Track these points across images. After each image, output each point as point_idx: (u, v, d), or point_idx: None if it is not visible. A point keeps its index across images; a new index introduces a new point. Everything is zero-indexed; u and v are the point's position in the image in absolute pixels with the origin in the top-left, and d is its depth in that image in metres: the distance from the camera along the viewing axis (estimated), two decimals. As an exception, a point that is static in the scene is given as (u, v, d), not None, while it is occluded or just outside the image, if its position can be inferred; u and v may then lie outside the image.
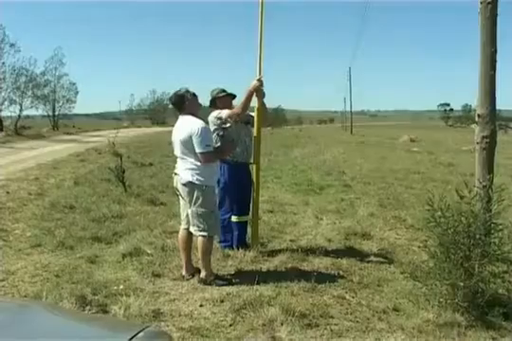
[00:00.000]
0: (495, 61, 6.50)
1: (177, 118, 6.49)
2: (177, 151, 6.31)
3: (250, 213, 7.37)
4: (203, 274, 6.11)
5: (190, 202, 6.17)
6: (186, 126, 6.14)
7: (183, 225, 6.43)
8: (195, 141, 5.98)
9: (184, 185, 6.18)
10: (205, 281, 6.03)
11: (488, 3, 6.41)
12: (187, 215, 6.30)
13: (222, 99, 7.31)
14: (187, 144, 6.08)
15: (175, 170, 6.37)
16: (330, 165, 19.39)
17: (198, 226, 6.13)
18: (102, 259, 6.89)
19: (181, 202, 6.45)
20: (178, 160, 6.35)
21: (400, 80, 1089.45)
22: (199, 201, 6.07)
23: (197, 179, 6.05)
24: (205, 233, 6.11)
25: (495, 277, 5.16)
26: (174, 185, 6.42)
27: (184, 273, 6.29)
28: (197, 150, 5.98)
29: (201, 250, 6.15)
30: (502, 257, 5.16)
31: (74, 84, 61.37)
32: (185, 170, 6.18)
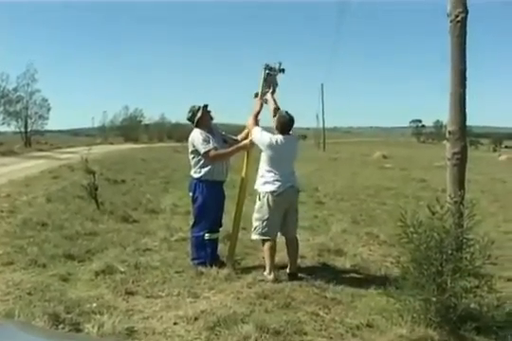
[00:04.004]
0: (465, 78, 6.61)
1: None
2: (290, 162, 7.15)
3: (235, 230, 7.40)
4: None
5: (296, 207, 7.21)
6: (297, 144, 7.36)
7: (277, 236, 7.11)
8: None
9: (298, 191, 7.23)
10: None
11: (458, 21, 6.53)
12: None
13: (203, 118, 7.37)
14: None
15: (289, 184, 6.91)
16: (303, 182, 19.36)
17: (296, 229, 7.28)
18: (75, 276, 6.84)
19: (279, 213, 6.97)
20: (285, 169, 6.99)
21: (372, 97, 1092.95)
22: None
23: None
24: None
25: (467, 291, 5.21)
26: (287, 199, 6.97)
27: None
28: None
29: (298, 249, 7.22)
30: (473, 272, 5.23)
31: (46, 101, 61.04)
32: (296, 178, 7.17)
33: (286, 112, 7.10)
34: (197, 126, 7.37)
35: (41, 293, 6.08)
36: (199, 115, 7.32)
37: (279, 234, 7.07)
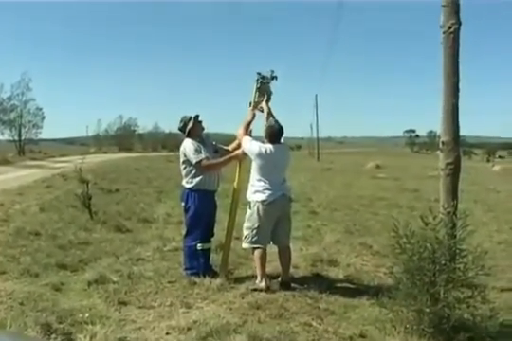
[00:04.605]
0: (458, 90, 6.64)
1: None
2: (281, 170, 7.12)
3: (228, 240, 7.38)
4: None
5: (289, 216, 7.23)
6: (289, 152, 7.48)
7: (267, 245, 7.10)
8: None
9: (291, 200, 7.26)
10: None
11: (451, 33, 6.56)
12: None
13: (194, 128, 7.39)
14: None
15: (280, 193, 6.91)
16: (297, 192, 19.38)
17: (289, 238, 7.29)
18: (68, 286, 6.82)
19: (270, 222, 6.97)
20: (276, 178, 6.97)
21: (366, 107, 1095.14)
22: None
23: None
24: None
25: (460, 302, 5.20)
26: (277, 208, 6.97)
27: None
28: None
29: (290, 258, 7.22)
30: (466, 282, 5.23)
31: (41, 109, 61.25)
32: (289, 187, 7.22)
33: (276, 121, 7.12)
34: (188, 136, 7.38)
35: (33, 302, 6.06)
36: (190, 125, 7.34)
37: (271, 243, 7.07)
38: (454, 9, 6.59)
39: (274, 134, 6.98)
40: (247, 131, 7.35)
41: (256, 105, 7.51)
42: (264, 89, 7.54)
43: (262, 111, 7.48)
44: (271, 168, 6.87)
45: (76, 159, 21.04)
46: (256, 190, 6.86)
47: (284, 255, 7.07)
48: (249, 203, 6.94)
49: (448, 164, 6.64)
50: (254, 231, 6.86)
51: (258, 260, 6.86)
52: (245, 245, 7.07)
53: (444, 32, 6.63)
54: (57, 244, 9.03)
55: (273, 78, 7.59)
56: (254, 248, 6.92)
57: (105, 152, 70.57)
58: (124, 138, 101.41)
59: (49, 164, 37.82)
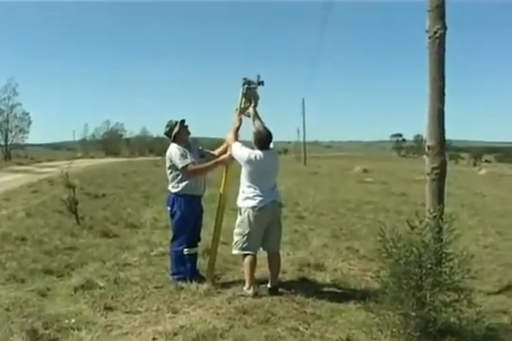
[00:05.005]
0: (443, 94, 6.66)
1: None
2: (271, 176, 7.10)
3: (214, 245, 7.37)
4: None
5: (279, 222, 7.17)
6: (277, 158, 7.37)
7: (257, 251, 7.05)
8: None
9: (281, 206, 7.23)
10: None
11: (436, 37, 6.59)
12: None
13: (180, 132, 7.38)
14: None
15: (270, 199, 6.89)
16: (283, 196, 19.35)
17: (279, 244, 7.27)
18: (54, 292, 6.79)
19: (260, 228, 6.93)
20: (266, 184, 6.96)
21: (353, 111, 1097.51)
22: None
23: None
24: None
25: (446, 306, 5.22)
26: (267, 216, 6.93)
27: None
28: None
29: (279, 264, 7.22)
30: (452, 286, 5.24)
31: (27, 114, 61.01)
32: (279, 192, 7.16)
33: (264, 127, 7.12)
34: (174, 141, 7.36)
35: (19, 308, 6.03)
36: (176, 129, 7.32)
37: (260, 249, 7.06)
38: (440, 15, 6.63)
39: (263, 140, 6.96)
40: (237, 136, 7.35)
41: (243, 111, 7.50)
42: (250, 94, 7.52)
43: (249, 116, 7.47)
44: (261, 174, 6.86)
45: (63, 164, 20.96)
46: (246, 197, 6.84)
47: (274, 261, 7.06)
48: (240, 209, 6.92)
49: (433, 168, 6.67)
50: (244, 237, 6.85)
51: (248, 266, 6.84)
52: (235, 252, 7.05)
53: (429, 37, 6.67)
54: (43, 250, 8.99)
55: (260, 83, 7.58)
56: (244, 255, 6.91)
57: (92, 157, 70.29)
58: (111, 143, 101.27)
59: (36, 169, 37.67)
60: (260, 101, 7.58)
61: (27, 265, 7.90)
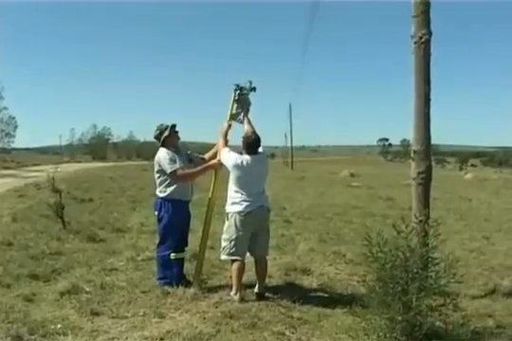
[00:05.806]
0: (429, 99, 6.69)
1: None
2: (259, 181, 7.09)
3: (202, 250, 7.36)
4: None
5: (267, 227, 7.19)
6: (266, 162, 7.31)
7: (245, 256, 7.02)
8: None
9: (269, 211, 7.22)
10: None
11: (422, 43, 6.63)
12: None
13: (170, 137, 7.36)
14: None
15: (257, 204, 6.89)
16: (271, 200, 19.42)
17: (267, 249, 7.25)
18: (40, 297, 6.75)
19: (247, 234, 6.92)
20: (253, 189, 6.96)
21: (340, 116, 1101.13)
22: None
23: None
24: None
25: (432, 310, 5.25)
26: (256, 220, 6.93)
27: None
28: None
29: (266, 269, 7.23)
30: (438, 290, 5.26)
31: (14, 118, 60.76)
32: (267, 197, 7.16)
33: (253, 131, 7.12)
34: (163, 145, 7.35)
35: (4, 314, 5.99)
36: (166, 134, 7.30)
37: (248, 254, 7.06)
38: (425, 20, 6.66)
39: (251, 144, 6.95)
40: (226, 141, 7.34)
41: (234, 117, 7.49)
42: (242, 100, 7.53)
43: (241, 122, 7.47)
44: (248, 179, 6.85)
45: (49, 168, 20.87)
46: (233, 202, 6.84)
47: (261, 266, 7.06)
48: (227, 214, 6.92)
49: (419, 173, 6.70)
50: (232, 243, 6.84)
51: (235, 271, 6.83)
52: (223, 257, 7.04)
53: (415, 42, 6.70)
54: (29, 255, 8.95)
55: (252, 89, 7.58)
56: (232, 260, 6.91)
57: (79, 162, 70.07)
58: (98, 147, 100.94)
59: (22, 173, 37.51)
60: (251, 108, 7.58)
61: (12, 270, 7.86)
